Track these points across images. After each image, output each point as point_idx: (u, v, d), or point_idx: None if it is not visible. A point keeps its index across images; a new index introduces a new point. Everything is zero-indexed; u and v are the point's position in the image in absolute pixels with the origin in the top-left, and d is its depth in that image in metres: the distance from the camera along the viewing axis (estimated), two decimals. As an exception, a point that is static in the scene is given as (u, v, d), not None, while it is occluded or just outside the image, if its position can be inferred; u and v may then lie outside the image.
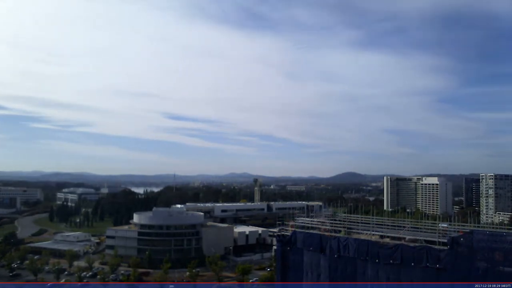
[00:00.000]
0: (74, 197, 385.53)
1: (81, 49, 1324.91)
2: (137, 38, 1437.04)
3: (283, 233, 61.74)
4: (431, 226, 51.26)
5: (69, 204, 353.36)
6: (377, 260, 46.22)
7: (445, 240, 42.47)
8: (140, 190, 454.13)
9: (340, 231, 53.71)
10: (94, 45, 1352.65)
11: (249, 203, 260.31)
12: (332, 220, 60.96)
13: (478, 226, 49.95)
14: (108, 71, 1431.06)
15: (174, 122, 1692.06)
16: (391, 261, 44.85)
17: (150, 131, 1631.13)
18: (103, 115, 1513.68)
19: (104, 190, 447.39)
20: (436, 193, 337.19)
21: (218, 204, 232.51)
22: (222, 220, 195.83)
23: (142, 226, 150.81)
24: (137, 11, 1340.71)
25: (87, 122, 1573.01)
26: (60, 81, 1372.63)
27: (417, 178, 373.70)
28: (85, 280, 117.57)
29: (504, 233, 41.26)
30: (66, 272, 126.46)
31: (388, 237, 49.80)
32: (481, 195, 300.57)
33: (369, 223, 55.52)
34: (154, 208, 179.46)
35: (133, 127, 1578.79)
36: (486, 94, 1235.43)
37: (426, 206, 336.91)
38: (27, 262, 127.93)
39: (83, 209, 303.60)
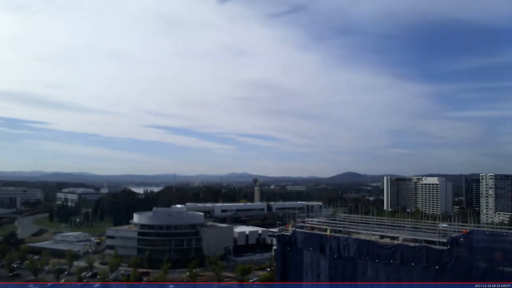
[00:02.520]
0: (74, 197, 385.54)
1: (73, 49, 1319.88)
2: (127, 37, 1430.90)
3: (283, 233, 61.74)
4: (431, 226, 51.26)
5: (69, 204, 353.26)
6: (377, 260, 46.21)
7: (445, 240, 42.45)
8: (140, 190, 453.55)
9: (340, 231, 53.65)
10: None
11: (249, 203, 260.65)
12: (332, 220, 60.99)
13: (478, 226, 49.98)
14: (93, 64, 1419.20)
15: (173, 122, 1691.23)
16: (391, 261, 44.83)
17: (148, 131, 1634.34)
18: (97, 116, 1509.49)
19: (104, 190, 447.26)
20: (436, 193, 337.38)
21: (218, 204, 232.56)
22: (222, 220, 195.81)
23: (142, 226, 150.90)
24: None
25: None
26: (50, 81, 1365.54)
27: (417, 178, 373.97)
28: (85, 280, 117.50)
29: (504, 233, 41.30)
30: (66, 272, 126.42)
31: (388, 237, 49.79)
32: (481, 195, 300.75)
33: (369, 223, 55.51)
34: (154, 208, 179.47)
35: (130, 128, 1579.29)
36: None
37: (426, 206, 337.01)
38: (27, 262, 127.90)
39: (83, 209, 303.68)
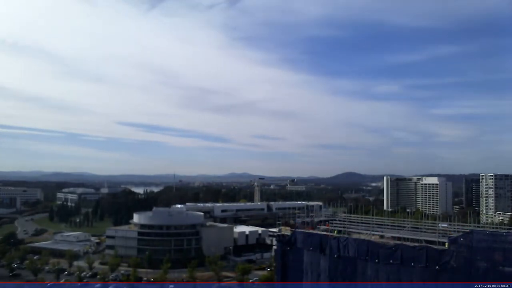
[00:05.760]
0: (74, 197, 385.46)
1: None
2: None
3: (283, 233, 61.76)
4: (431, 226, 51.32)
5: (69, 204, 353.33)
6: (377, 260, 46.21)
7: (445, 240, 42.47)
8: (140, 190, 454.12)
9: (340, 231, 53.69)
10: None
11: (249, 203, 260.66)
12: (332, 220, 61.01)
13: (478, 226, 50.02)
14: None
15: (174, 121, 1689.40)
16: (391, 261, 44.83)
17: (147, 131, 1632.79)
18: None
19: (104, 190, 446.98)
20: (436, 193, 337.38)
21: (218, 204, 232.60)
22: (222, 220, 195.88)
23: (142, 226, 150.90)
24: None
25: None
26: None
27: (417, 178, 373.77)
28: (85, 280, 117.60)
29: (504, 233, 41.26)
30: (66, 272, 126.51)
31: (388, 237, 49.83)
32: (481, 195, 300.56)
33: (369, 223, 55.52)
34: (154, 208, 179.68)
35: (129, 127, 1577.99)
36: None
37: (426, 206, 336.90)
38: (27, 262, 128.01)
39: (83, 209, 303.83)
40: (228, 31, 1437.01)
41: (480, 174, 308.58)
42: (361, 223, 56.74)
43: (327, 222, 59.98)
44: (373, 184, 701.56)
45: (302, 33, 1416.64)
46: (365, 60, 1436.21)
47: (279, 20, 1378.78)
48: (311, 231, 56.87)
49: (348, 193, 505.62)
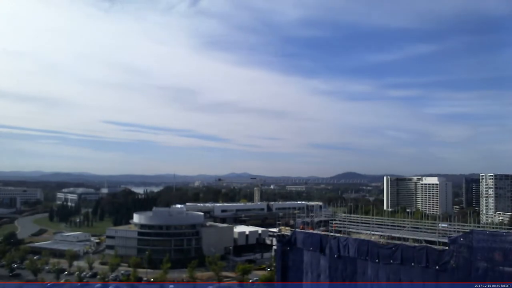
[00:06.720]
0: (74, 197, 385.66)
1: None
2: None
3: (283, 233, 61.77)
4: (431, 226, 51.29)
5: (69, 204, 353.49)
6: (377, 260, 46.20)
7: (445, 240, 42.46)
8: (140, 190, 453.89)
9: (340, 231, 53.65)
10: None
11: (249, 203, 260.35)
12: (332, 220, 60.92)
13: (478, 226, 49.96)
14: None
15: (169, 121, 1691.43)
16: (391, 261, 44.83)
17: (142, 131, 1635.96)
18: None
19: (104, 190, 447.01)
20: (436, 193, 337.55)
21: (218, 204, 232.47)
22: (222, 220, 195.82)
23: (142, 226, 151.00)
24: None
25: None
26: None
27: (417, 178, 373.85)
28: (85, 280, 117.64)
29: (504, 233, 41.23)
30: (66, 272, 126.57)
31: (388, 237, 49.79)
32: (481, 195, 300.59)
33: (369, 223, 55.46)
34: (154, 208, 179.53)
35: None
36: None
37: (426, 206, 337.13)
38: (27, 262, 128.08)
39: (83, 209, 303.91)
40: (192, 32, 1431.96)
41: (480, 174, 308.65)
42: (361, 223, 56.66)
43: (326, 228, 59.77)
44: (373, 184, 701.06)
45: (279, 34, 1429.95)
46: (348, 61, 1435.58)
47: (246, 21, 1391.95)
48: (311, 231, 56.88)
49: (348, 193, 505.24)
